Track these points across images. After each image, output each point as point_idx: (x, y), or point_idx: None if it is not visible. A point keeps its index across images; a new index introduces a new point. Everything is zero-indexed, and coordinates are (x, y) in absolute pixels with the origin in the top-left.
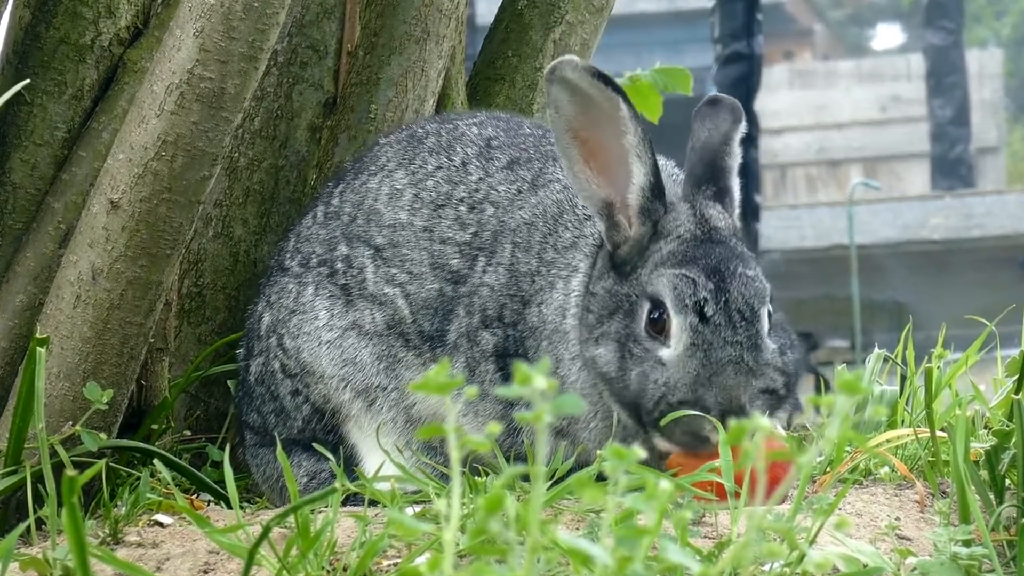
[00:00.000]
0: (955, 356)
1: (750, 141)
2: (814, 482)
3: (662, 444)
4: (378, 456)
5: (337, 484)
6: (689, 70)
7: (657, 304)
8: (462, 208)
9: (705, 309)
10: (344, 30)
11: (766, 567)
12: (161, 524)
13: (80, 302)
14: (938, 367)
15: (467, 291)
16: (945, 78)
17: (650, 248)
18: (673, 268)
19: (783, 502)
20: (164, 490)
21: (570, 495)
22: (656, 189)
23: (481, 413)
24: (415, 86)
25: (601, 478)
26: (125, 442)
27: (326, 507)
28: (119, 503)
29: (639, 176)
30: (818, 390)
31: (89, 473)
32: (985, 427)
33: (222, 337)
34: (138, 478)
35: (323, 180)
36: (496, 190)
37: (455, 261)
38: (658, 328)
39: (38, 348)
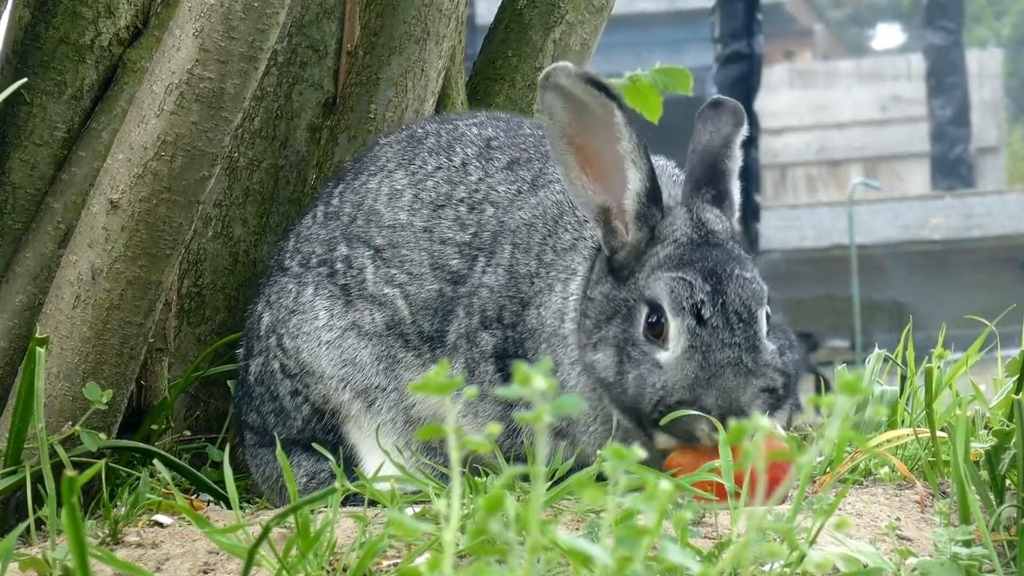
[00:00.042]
0: (955, 356)
1: (750, 141)
2: (814, 482)
3: (662, 440)
4: (378, 456)
5: (337, 484)
6: (689, 70)
7: (655, 308)
8: (462, 208)
9: (702, 311)
10: (344, 30)
11: (766, 567)
12: (161, 524)
13: (80, 302)
14: (938, 367)
15: (466, 292)
16: (945, 78)
17: (647, 253)
18: (670, 272)
19: (783, 502)
20: (164, 490)
21: (570, 495)
22: (652, 194)
23: (481, 414)
24: (415, 86)
25: (601, 478)
26: (125, 442)
27: (326, 507)
28: (119, 503)
29: (635, 182)
30: (818, 390)
31: (89, 473)
32: (985, 427)
33: (222, 337)
34: (138, 478)
35: (323, 180)
36: (496, 190)
37: (455, 262)
38: (656, 332)
39: (38, 348)
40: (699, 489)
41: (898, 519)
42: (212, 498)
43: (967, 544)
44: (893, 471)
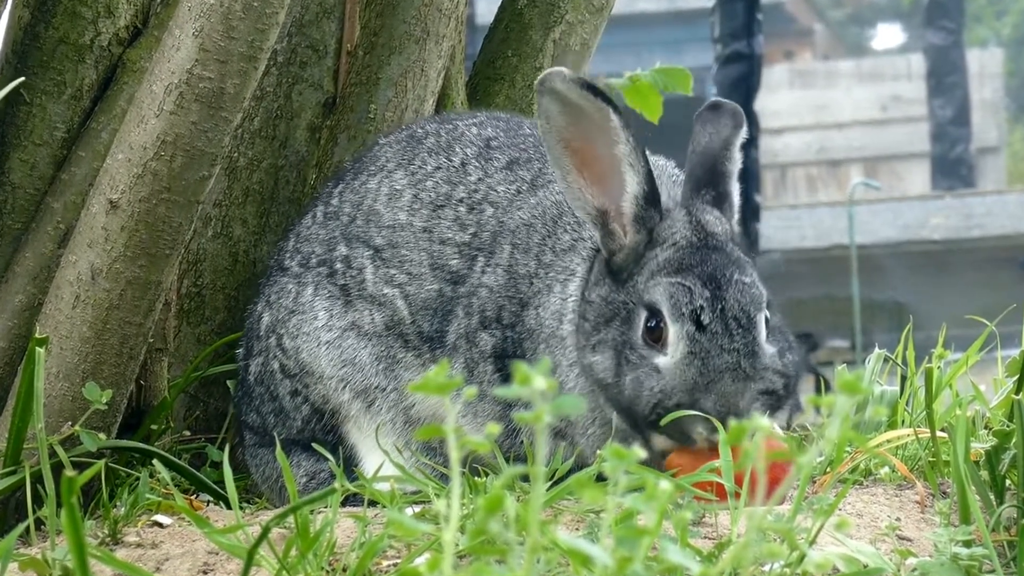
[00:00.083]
0: (955, 356)
1: (750, 141)
2: (814, 482)
3: (658, 442)
4: (377, 456)
5: (336, 484)
6: (689, 70)
7: (654, 312)
8: (461, 209)
9: (702, 317)
10: (344, 30)
11: (766, 567)
12: (160, 524)
13: (79, 302)
14: (938, 367)
15: (466, 292)
16: (945, 78)
17: (646, 255)
18: (669, 276)
19: (782, 502)
20: (163, 490)
21: (570, 496)
22: (650, 197)
23: (480, 414)
24: (415, 86)
25: (601, 479)
26: (124, 442)
27: (325, 507)
28: (118, 503)
29: (632, 185)
30: (818, 390)
31: (88, 473)
32: (985, 427)
33: (221, 337)
34: (137, 478)
35: (323, 180)
36: (495, 191)
37: (454, 262)
38: (655, 336)
39: (37, 348)
40: (699, 489)
41: (898, 519)
42: (212, 498)
43: (967, 544)
44: (893, 471)
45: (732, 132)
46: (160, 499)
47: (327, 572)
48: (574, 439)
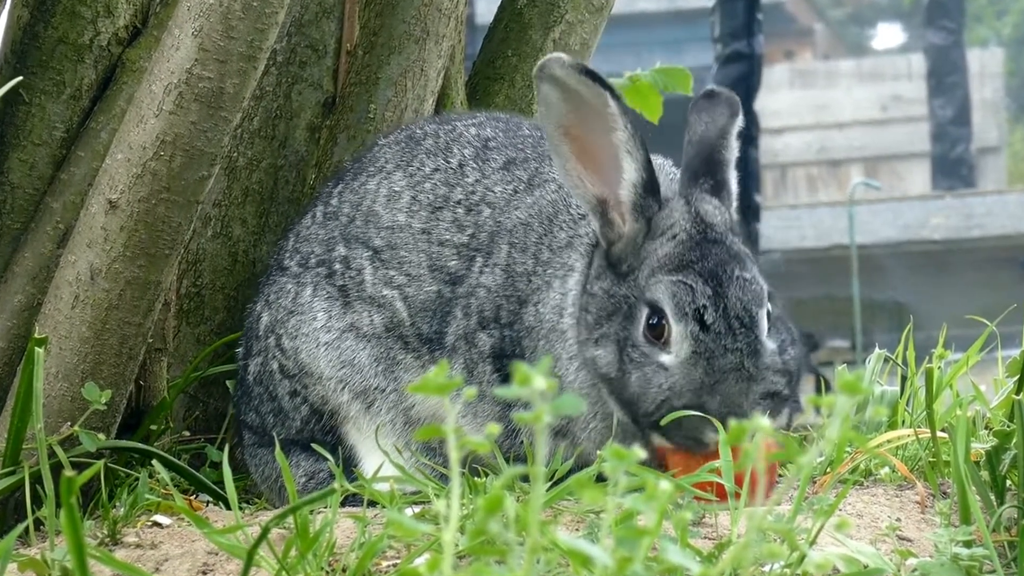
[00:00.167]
0: (956, 356)
1: (750, 141)
2: (815, 483)
3: (660, 442)
4: (377, 457)
5: (336, 485)
6: (689, 70)
7: (656, 310)
8: (459, 210)
9: (705, 317)
10: (343, 29)
11: (766, 568)
12: (160, 525)
13: (78, 302)
14: (939, 367)
15: (464, 292)
16: (946, 78)
17: (645, 247)
18: (671, 274)
19: (780, 502)
20: (163, 491)
21: (570, 496)
22: (649, 185)
23: (480, 414)
24: (414, 86)
25: (601, 479)
26: (124, 443)
27: (325, 508)
28: (117, 504)
29: (630, 172)
30: (819, 390)
31: (87, 474)
32: (986, 428)
33: (221, 337)
34: (137, 479)
35: (322, 180)
36: (492, 191)
37: (453, 263)
38: (656, 334)
39: (36, 348)
40: (699, 490)
41: (899, 520)
42: (211, 498)
43: (968, 545)
44: (894, 471)
45: (728, 120)
46: (159, 499)
47: (327, 572)
48: (575, 435)
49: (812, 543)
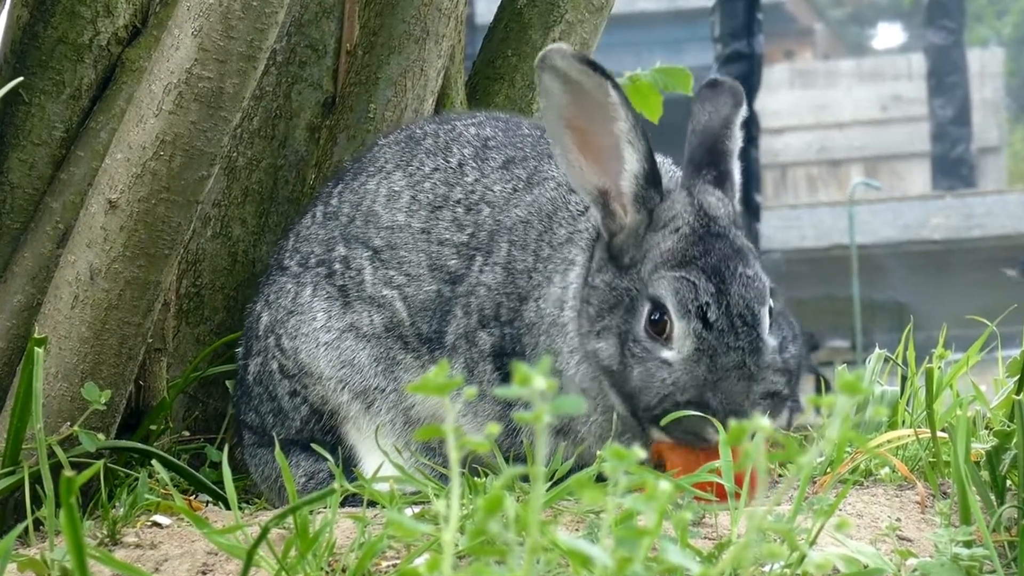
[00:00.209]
0: (956, 356)
1: (750, 141)
2: (815, 483)
3: (659, 437)
4: (377, 457)
5: (336, 485)
6: (689, 69)
7: (658, 306)
8: (459, 209)
9: (708, 314)
10: (343, 29)
11: (766, 568)
12: (159, 525)
13: (78, 302)
14: (939, 367)
15: (464, 291)
16: (946, 77)
17: (648, 239)
18: (673, 270)
19: (780, 502)
20: (162, 491)
21: (570, 496)
22: (650, 176)
23: (480, 414)
24: (414, 85)
25: (601, 479)
26: (123, 443)
27: (325, 508)
28: (117, 504)
29: (632, 163)
30: (819, 390)
31: (87, 474)
32: (986, 428)
33: (220, 337)
34: (136, 479)
35: (322, 180)
36: (492, 190)
37: (453, 262)
38: (658, 329)
39: (36, 348)
40: (699, 490)
41: (899, 520)
42: (211, 498)
43: (968, 545)
44: (894, 472)
45: (732, 110)
46: (159, 499)
47: (326, 572)
48: (576, 430)
49: (812, 543)
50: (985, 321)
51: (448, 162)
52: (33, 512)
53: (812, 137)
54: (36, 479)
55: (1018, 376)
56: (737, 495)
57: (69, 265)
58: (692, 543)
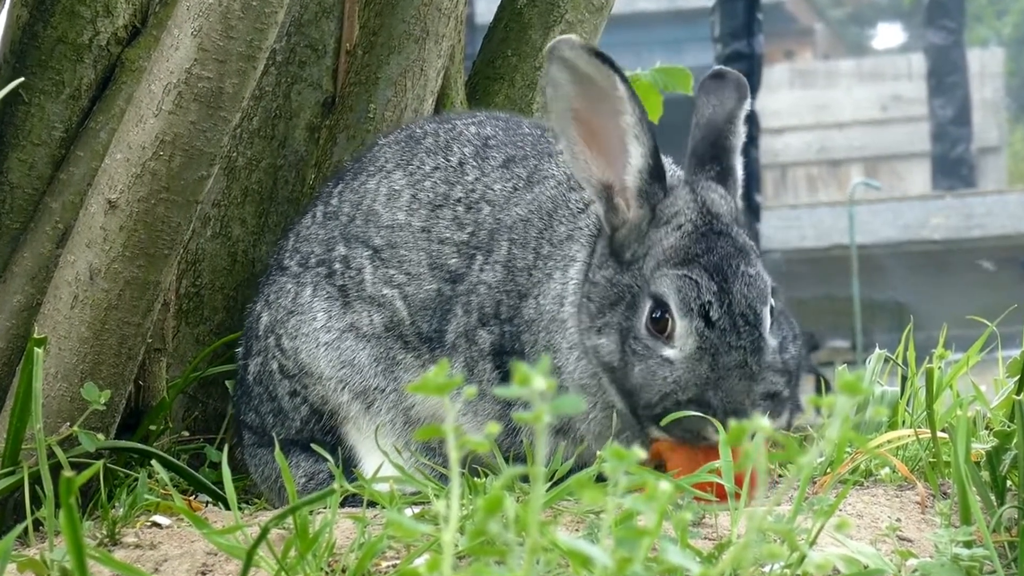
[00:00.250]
0: (956, 356)
1: (750, 140)
2: (815, 483)
3: (658, 435)
4: (377, 457)
5: (336, 485)
6: (689, 69)
7: (660, 304)
8: (459, 208)
9: (710, 313)
10: (343, 29)
11: (766, 568)
12: (159, 525)
13: (78, 302)
14: (939, 367)
15: (464, 290)
16: (946, 77)
17: (650, 235)
18: (675, 268)
19: (780, 503)
20: (162, 491)
21: (570, 496)
22: (655, 171)
23: (480, 413)
24: (414, 85)
25: (601, 479)
26: (123, 443)
27: (325, 508)
28: (117, 504)
29: (637, 157)
30: (819, 391)
31: (87, 474)
32: (986, 428)
33: (220, 337)
34: (136, 479)
35: (322, 180)
36: (492, 189)
37: (453, 261)
38: (660, 327)
39: (36, 349)
40: (699, 490)
41: (899, 520)
42: (210, 499)
43: (968, 545)
44: (894, 472)
45: (736, 104)
46: (159, 500)
47: (326, 573)
48: (575, 426)
49: (812, 543)
50: (985, 321)
51: (448, 161)
52: (33, 512)
53: (812, 137)
54: (36, 479)
55: (1018, 376)
56: (737, 495)
57: (69, 265)
58: (692, 543)
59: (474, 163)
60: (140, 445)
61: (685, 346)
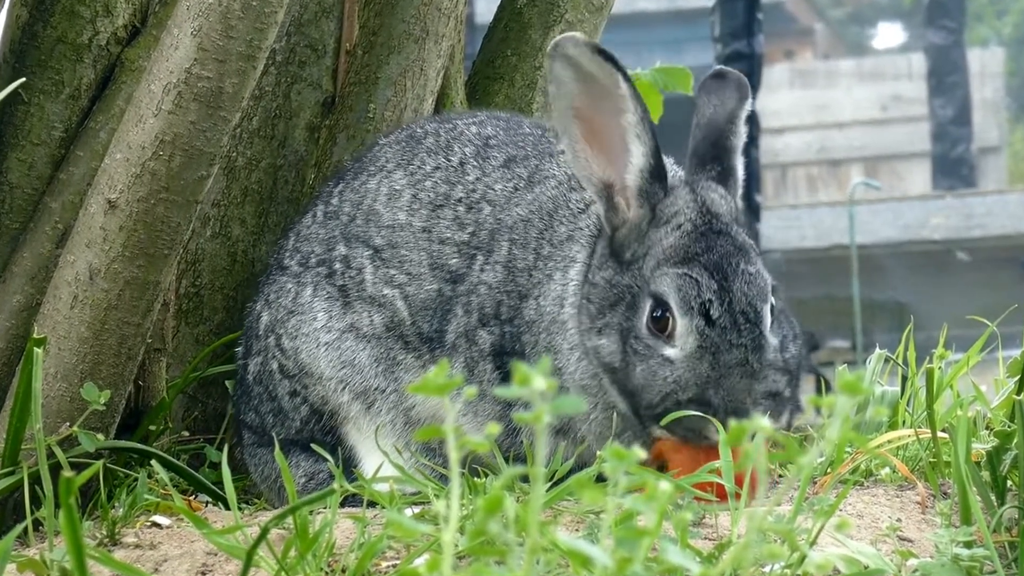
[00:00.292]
0: (956, 356)
1: (751, 140)
2: (815, 483)
3: (660, 434)
4: (377, 457)
5: (336, 485)
6: (690, 69)
7: (660, 303)
8: (460, 208)
9: (711, 312)
10: (343, 29)
11: (767, 568)
12: (159, 525)
13: (77, 302)
14: (939, 367)
15: (465, 290)
16: (946, 77)
17: (650, 235)
18: (676, 267)
19: (780, 503)
20: (162, 491)
21: (570, 496)
22: (656, 171)
23: (480, 413)
24: (414, 85)
25: (601, 479)
26: (123, 443)
27: (325, 508)
28: (117, 504)
29: (637, 157)
30: (819, 391)
31: (86, 474)
32: (986, 428)
33: (220, 337)
34: (136, 479)
35: (321, 179)
36: (493, 189)
37: (454, 261)
38: (660, 326)
39: (35, 349)
40: (699, 490)
41: (899, 520)
42: (210, 499)
43: (968, 545)
44: (894, 472)
45: (737, 104)
46: (158, 500)
47: (326, 573)
48: (576, 427)
49: (812, 544)
50: (985, 321)
51: (449, 161)
52: (32, 512)
53: (812, 137)
54: (35, 479)
55: (1018, 376)
56: (737, 495)
57: (68, 265)
58: (692, 543)
59: (475, 163)
60: (140, 445)
61: (686, 345)
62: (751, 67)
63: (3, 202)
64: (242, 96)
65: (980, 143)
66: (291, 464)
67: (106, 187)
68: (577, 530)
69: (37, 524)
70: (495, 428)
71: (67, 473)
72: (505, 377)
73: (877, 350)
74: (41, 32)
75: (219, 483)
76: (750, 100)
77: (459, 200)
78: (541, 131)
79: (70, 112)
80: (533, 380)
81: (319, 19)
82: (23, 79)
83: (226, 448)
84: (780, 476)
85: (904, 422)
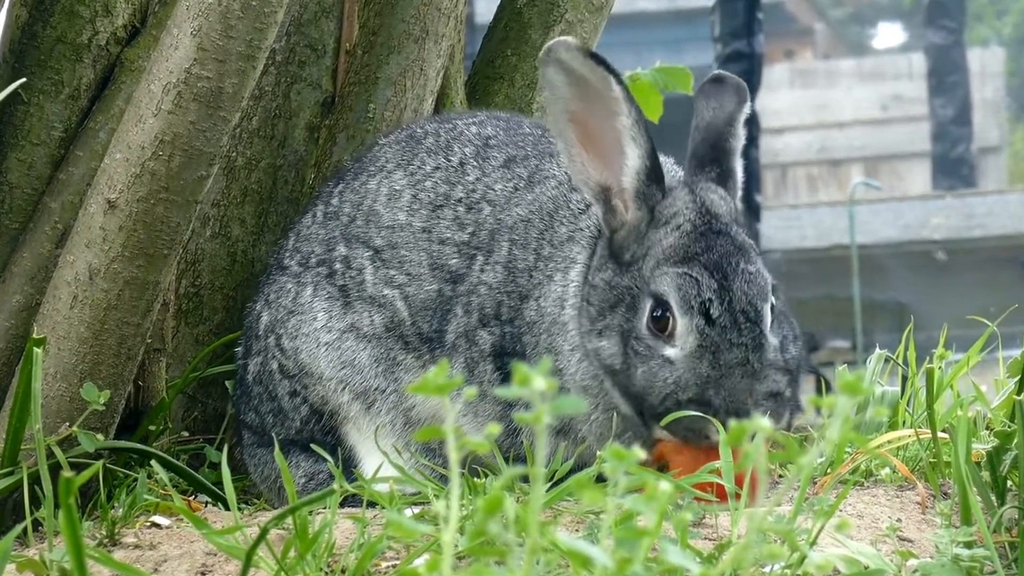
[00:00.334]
0: (956, 357)
1: (751, 140)
2: (815, 483)
3: (662, 435)
4: (377, 457)
5: (335, 485)
6: (690, 69)
7: (660, 303)
8: (460, 208)
9: (711, 311)
10: (342, 29)
11: (767, 569)
12: (158, 525)
13: (77, 302)
14: (939, 368)
15: (465, 290)
16: (946, 77)
17: (649, 236)
18: (675, 266)
19: (780, 503)
20: (161, 491)
21: (570, 496)
22: (652, 173)
23: (480, 414)
24: (414, 85)
25: (601, 479)
26: (122, 443)
27: (324, 508)
28: (116, 504)
29: (634, 159)
30: (819, 391)
31: (86, 474)
32: (987, 428)
33: (220, 337)
34: (135, 479)
35: (321, 179)
36: (493, 189)
37: (454, 261)
38: (660, 326)
39: (35, 349)
40: (699, 490)
41: (899, 520)
42: (210, 499)
43: (968, 545)
44: (894, 472)
45: (736, 107)
46: (158, 500)
47: (326, 573)
48: (576, 429)
49: (812, 544)
50: (985, 321)
51: (449, 161)
52: (32, 513)
53: (812, 137)
54: (35, 480)
55: (1019, 376)
56: (737, 496)
57: (68, 265)
58: (692, 544)
59: (475, 163)
60: (139, 445)
61: (686, 344)
62: (751, 67)
63: (3, 202)
64: (242, 96)
65: (980, 143)
66: (291, 464)
67: (106, 187)
68: (577, 530)
69: (37, 524)
70: (495, 428)
71: (67, 473)
72: (505, 377)
73: (877, 350)
74: (41, 32)
75: (219, 483)
76: (748, 103)
77: (459, 200)
78: (541, 131)
79: (70, 112)
80: (533, 381)
81: (319, 19)
82: (23, 79)
83: (226, 448)
84: (780, 476)
85: (904, 422)
